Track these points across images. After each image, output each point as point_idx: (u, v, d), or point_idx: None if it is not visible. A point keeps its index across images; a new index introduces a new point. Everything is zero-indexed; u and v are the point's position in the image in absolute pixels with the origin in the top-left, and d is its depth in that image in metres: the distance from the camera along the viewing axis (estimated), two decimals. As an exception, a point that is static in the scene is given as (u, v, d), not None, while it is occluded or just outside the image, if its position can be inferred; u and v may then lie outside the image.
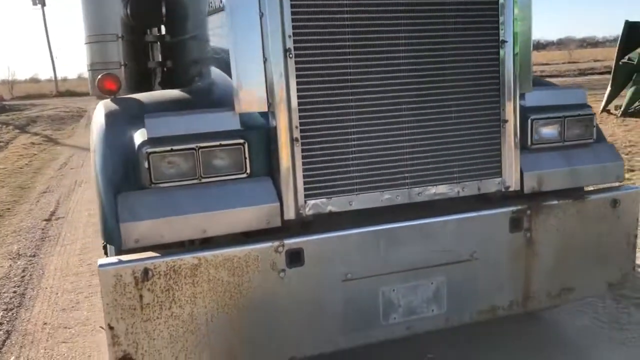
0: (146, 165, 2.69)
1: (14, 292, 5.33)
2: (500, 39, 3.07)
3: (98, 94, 4.75)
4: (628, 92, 14.65)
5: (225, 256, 2.72)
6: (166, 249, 2.75)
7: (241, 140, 2.81)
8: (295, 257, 2.82)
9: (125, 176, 2.80)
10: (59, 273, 5.76)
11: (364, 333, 3.01)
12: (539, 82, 3.66)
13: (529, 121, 3.27)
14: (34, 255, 6.39)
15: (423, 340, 3.55)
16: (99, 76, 3.33)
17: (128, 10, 4.38)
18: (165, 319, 2.68)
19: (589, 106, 3.49)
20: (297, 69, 2.77)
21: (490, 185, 3.18)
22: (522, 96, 3.24)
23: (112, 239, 2.70)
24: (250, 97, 2.82)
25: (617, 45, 15.23)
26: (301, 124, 2.81)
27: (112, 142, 2.91)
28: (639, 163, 9.05)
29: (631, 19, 14.63)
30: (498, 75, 3.10)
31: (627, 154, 9.63)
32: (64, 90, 50.40)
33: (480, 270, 3.15)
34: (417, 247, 3.01)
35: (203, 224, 2.72)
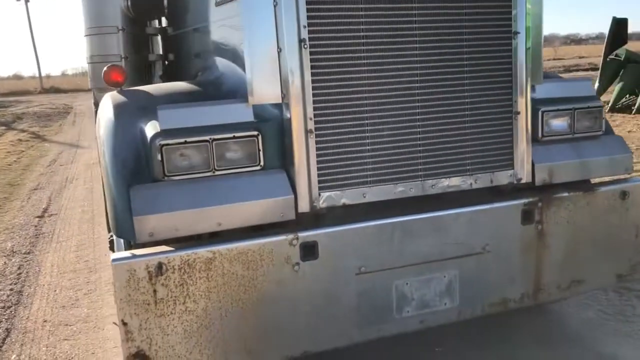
0: (159, 157, 2.64)
1: (11, 289, 5.24)
2: (513, 30, 3.06)
3: (99, 86, 4.70)
4: (615, 88, 14.80)
5: (240, 250, 2.69)
6: (176, 243, 2.71)
7: (255, 132, 2.77)
8: (309, 250, 2.79)
9: (136, 169, 2.75)
10: (55, 270, 5.67)
11: (378, 327, 2.99)
12: (545, 75, 3.65)
13: (540, 113, 3.27)
14: (28, 253, 6.29)
15: (431, 332, 3.52)
16: (105, 68, 3.25)
17: (129, 2, 4.31)
18: (179, 314, 2.64)
19: (597, 98, 3.50)
20: (311, 60, 2.73)
21: (503, 178, 3.17)
22: (532, 88, 3.24)
23: (125, 232, 2.65)
24: (264, 89, 2.79)
25: (605, 41, 15.33)
26: (315, 115, 2.77)
27: (122, 135, 2.85)
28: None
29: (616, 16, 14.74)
30: (511, 66, 3.08)
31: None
32: (49, 87, 49.77)
33: (492, 263, 3.14)
34: (431, 240, 3.00)
35: (218, 217, 2.68)
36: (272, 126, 2.82)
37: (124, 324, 2.57)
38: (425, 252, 3.00)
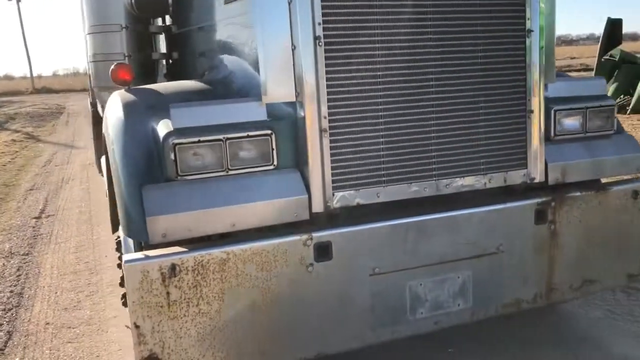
0: (172, 157, 2.60)
1: (11, 291, 5.16)
2: (527, 28, 3.03)
3: (102, 85, 4.65)
4: (610, 88, 14.84)
5: (254, 250, 2.64)
6: (188, 244, 2.66)
7: (268, 131, 2.73)
8: (323, 251, 2.75)
9: (148, 168, 2.70)
10: (55, 271, 5.59)
11: (392, 328, 2.95)
12: (556, 74, 3.63)
13: (552, 112, 3.25)
14: (27, 254, 6.21)
15: (442, 332, 3.49)
16: (112, 66, 3.20)
17: (132, 0, 4.24)
18: (193, 317, 2.59)
19: (609, 97, 3.48)
20: (326, 58, 2.69)
21: (516, 177, 3.14)
22: (544, 87, 3.21)
23: (138, 233, 2.60)
24: (278, 87, 2.74)
25: (600, 42, 15.40)
26: (330, 114, 2.73)
27: (132, 133, 2.80)
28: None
29: (606, 17, 14.82)
30: (524, 65, 3.06)
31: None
32: (40, 87, 49.48)
33: (505, 263, 3.11)
34: (445, 240, 2.96)
35: (232, 217, 2.64)
36: (285, 125, 2.78)
37: (137, 326, 2.52)
38: (439, 252, 2.96)
